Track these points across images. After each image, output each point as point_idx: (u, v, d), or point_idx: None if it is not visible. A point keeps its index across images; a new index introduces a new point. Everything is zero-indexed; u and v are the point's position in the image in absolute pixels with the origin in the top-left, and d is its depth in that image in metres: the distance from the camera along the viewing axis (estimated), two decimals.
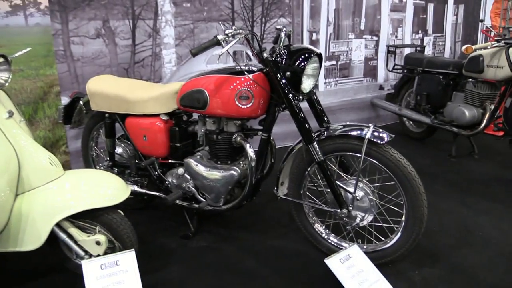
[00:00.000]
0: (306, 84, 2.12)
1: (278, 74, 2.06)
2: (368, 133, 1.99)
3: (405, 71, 4.24)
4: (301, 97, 2.13)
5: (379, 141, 1.97)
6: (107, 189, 1.99)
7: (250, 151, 2.22)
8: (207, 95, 2.20)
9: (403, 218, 2.08)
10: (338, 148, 2.10)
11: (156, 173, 2.54)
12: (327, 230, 2.34)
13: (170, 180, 2.50)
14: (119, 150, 2.73)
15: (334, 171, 2.24)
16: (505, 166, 3.60)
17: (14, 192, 1.85)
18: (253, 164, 2.21)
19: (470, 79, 3.55)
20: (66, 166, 3.17)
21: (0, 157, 1.80)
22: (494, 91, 3.46)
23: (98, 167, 2.87)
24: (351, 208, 2.10)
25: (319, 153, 2.08)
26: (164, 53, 3.39)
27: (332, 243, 2.30)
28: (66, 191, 1.92)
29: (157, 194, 2.52)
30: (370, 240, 2.26)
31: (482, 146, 4.00)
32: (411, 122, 4.35)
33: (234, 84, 2.14)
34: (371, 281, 2.01)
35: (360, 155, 2.01)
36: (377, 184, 2.16)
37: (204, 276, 2.18)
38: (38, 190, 1.89)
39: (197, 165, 2.36)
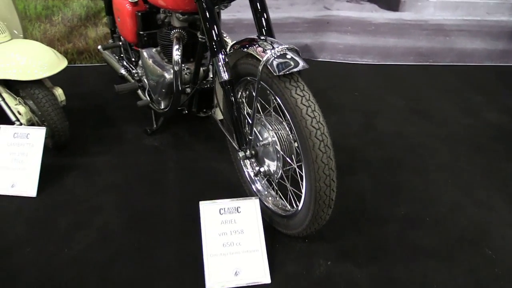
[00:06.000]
0: None
1: None
2: (268, 54, 1.37)
3: None
4: None
5: (274, 70, 1.34)
6: (33, 64, 1.97)
7: (175, 54, 1.84)
8: None
9: (303, 188, 1.48)
10: (247, 70, 1.54)
11: (133, 59, 2.39)
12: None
13: (138, 70, 2.33)
14: None
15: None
16: None
17: None
18: (176, 68, 1.84)
19: None
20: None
21: None
22: None
23: None
24: (249, 152, 1.59)
25: (224, 72, 1.56)
26: None
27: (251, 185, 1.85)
28: None
29: (132, 81, 2.40)
30: (291, 199, 1.71)
31: None
32: None
33: None
34: (244, 248, 1.58)
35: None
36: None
37: (121, 175, 2.06)
38: None
39: (147, 58, 2.11)
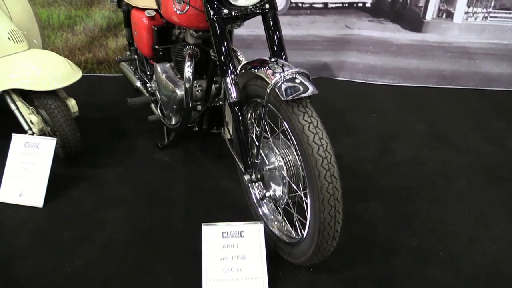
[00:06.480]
0: None
1: None
2: (276, 78, 1.33)
3: None
4: (225, 11, 1.53)
5: (281, 94, 1.30)
6: (47, 74, 1.98)
7: (187, 71, 1.82)
8: None
9: (307, 217, 1.42)
10: (256, 92, 1.50)
11: (148, 73, 2.40)
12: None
13: (151, 84, 2.32)
14: None
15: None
16: None
17: None
18: (187, 85, 1.82)
19: None
20: None
21: None
22: None
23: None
24: (255, 176, 1.55)
25: (233, 92, 1.53)
26: None
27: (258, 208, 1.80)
28: (14, 67, 2.00)
29: (146, 94, 2.40)
30: (296, 226, 1.66)
31: None
32: None
33: None
34: (244, 274, 1.53)
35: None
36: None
37: (128, 189, 2.05)
38: None
39: (160, 72, 2.10)
